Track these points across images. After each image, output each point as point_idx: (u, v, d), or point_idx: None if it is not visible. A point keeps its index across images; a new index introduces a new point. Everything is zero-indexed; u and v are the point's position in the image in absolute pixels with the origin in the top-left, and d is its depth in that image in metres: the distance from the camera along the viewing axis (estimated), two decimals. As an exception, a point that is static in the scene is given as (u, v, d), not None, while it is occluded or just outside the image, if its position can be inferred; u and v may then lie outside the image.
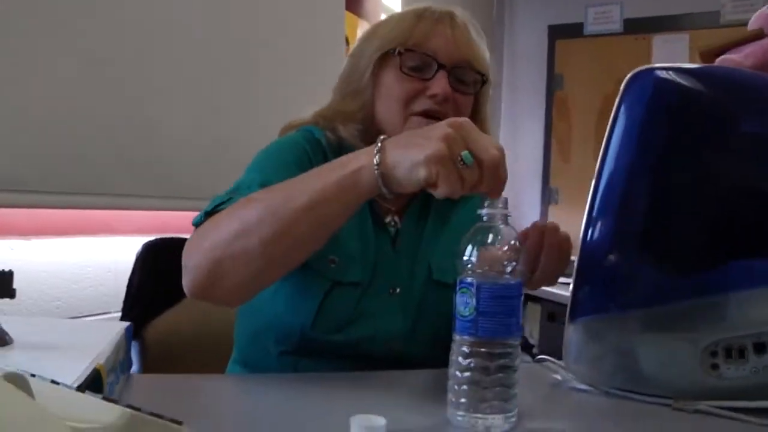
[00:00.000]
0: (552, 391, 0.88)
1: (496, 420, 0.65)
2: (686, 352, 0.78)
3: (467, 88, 1.00)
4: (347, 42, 2.36)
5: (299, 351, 0.95)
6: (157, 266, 1.58)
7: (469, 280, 0.64)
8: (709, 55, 0.89)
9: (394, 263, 0.99)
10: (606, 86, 3.04)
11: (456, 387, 0.66)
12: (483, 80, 1.02)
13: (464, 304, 0.65)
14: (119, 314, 1.80)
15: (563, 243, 0.81)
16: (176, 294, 1.59)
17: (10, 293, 0.65)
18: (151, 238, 1.79)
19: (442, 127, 0.66)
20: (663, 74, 0.79)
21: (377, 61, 0.99)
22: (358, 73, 1.01)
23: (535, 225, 0.81)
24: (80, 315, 1.73)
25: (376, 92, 1.00)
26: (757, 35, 0.85)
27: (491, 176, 0.65)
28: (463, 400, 0.65)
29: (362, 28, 2.48)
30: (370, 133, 0.99)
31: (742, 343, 0.76)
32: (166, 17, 1.73)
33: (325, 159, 0.95)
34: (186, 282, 0.77)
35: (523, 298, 0.69)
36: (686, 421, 0.76)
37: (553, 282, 0.83)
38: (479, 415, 0.65)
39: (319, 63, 2.22)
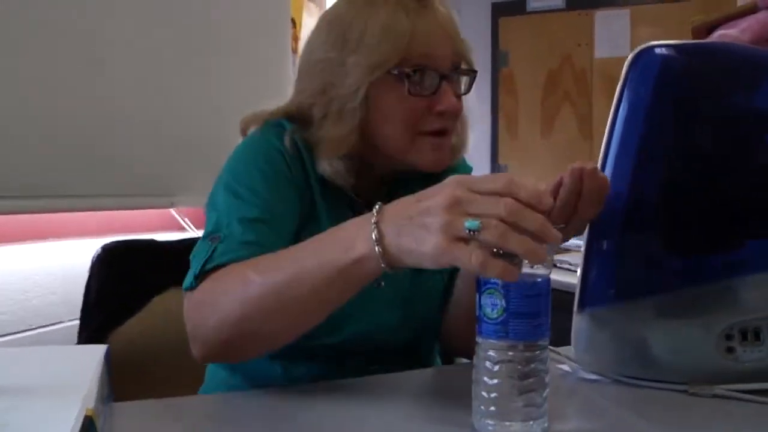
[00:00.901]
0: (562, 383, 0.86)
1: (532, 427, 0.61)
2: (701, 336, 0.77)
3: (465, 88, 0.94)
4: (294, 23, 2.27)
5: (289, 356, 0.90)
6: (117, 270, 1.48)
7: (495, 279, 0.59)
8: (700, 30, 0.87)
9: None
10: (550, 62, 3.07)
11: (485, 394, 0.62)
12: (475, 73, 0.96)
13: (492, 306, 0.60)
14: (72, 323, 1.68)
15: (603, 187, 0.72)
16: (139, 299, 1.51)
17: None
18: (103, 240, 1.68)
19: (438, 213, 0.58)
20: (667, 52, 0.77)
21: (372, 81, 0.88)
22: (343, 90, 0.89)
23: (572, 169, 0.72)
24: (30, 327, 1.61)
25: (370, 114, 0.89)
26: (751, 9, 0.83)
27: (502, 235, 0.55)
28: (492, 408, 0.61)
29: (308, 9, 2.40)
30: (355, 159, 0.91)
31: (757, 325, 0.76)
32: (116, 11, 1.61)
33: (302, 162, 0.91)
34: (196, 351, 0.77)
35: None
36: (704, 406, 0.75)
37: (582, 231, 0.75)
38: (512, 423, 0.61)
39: (265, 48, 2.13)
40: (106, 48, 1.59)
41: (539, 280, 0.61)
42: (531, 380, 0.61)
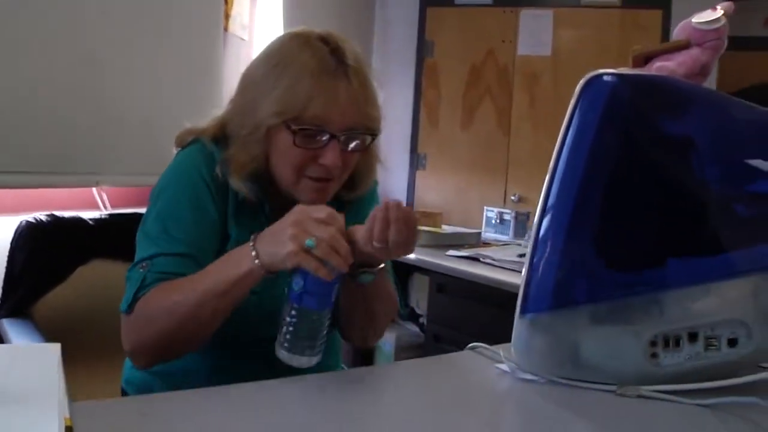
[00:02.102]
0: (501, 381, 0.92)
1: (310, 360, 0.87)
2: (629, 343, 0.85)
3: (358, 146, 1.02)
4: (226, 16, 2.22)
5: (217, 354, 1.01)
6: (41, 244, 1.44)
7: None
8: (639, 59, 0.94)
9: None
10: (475, 55, 3.13)
11: (283, 335, 0.87)
12: (374, 136, 1.03)
13: (296, 283, 0.86)
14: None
15: (408, 216, 0.86)
16: (61, 272, 1.46)
17: None
18: (18, 217, 1.60)
19: (287, 230, 0.85)
20: (616, 80, 0.83)
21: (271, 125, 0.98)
22: (251, 123, 1.00)
23: (383, 202, 0.88)
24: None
25: (269, 148, 1.01)
26: (684, 45, 0.91)
27: (327, 249, 0.83)
28: (285, 344, 0.87)
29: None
30: (264, 180, 1.03)
31: (678, 334, 0.84)
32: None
33: (224, 182, 1.01)
34: (139, 363, 0.98)
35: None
36: (630, 405, 0.83)
37: (408, 251, 0.89)
38: (294, 355, 0.87)
39: (197, 25, 2.07)
40: (32, 25, 1.50)
41: (327, 280, 0.85)
42: (311, 331, 0.86)
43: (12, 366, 0.63)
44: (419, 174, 3.30)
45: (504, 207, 3.02)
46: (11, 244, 1.45)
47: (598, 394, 0.85)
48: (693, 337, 0.84)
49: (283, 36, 1.06)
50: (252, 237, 0.90)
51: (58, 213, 1.53)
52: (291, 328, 0.86)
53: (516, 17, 3.02)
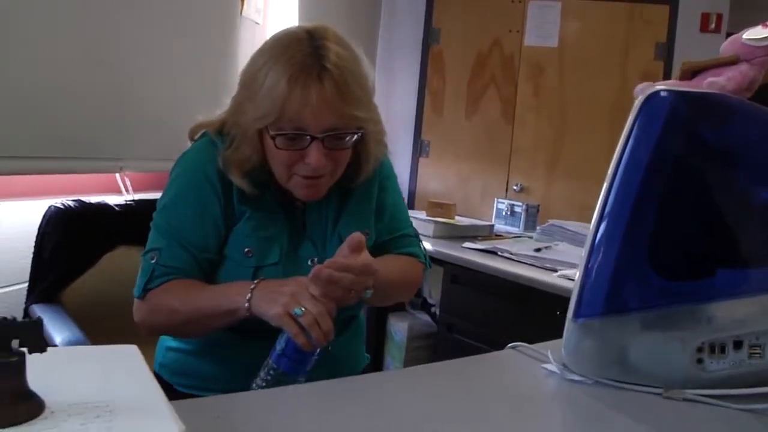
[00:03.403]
0: (549, 381, 0.95)
1: None
2: (677, 348, 0.89)
3: (344, 144, 1.05)
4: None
5: (242, 330, 1.06)
6: (68, 230, 1.44)
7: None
8: (687, 72, 0.97)
9: (308, 238, 1.13)
10: (481, 44, 3.14)
11: (257, 382, 0.97)
12: (360, 133, 1.06)
13: (279, 345, 0.96)
14: (4, 289, 1.60)
15: (333, 282, 0.95)
16: (89, 257, 1.47)
17: (41, 346, 0.54)
18: (38, 202, 1.59)
19: (283, 295, 0.95)
20: (674, 98, 0.86)
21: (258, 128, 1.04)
22: (242, 125, 1.05)
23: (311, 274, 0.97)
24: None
25: (263, 147, 1.06)
26: (733, 60, 0.94)
27: (311, 321, 0.92)
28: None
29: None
30: (265, 173, 1.08)
31: (723, 341, 0.88)
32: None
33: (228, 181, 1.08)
34: (140, 330, 1.10)
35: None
36: (676, 408, 0.87)
37: (356, 296, 0.99)
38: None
39: (213, 11, 2.06)
40: (56, 13, 1.48)
41: (307, 351, 0.94)
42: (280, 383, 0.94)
43: (104, 371, 0.64)
44: (422, 161, 3.32)
45: (506, 196, 3.06)
46: (39, 229, 1.46)
47: (645, 397, 0.89)
48: (738, 344, 0.88)
49: (275, 34, 1.09)
50: (256, 282, 1.00)
51: (84, 198, 1.53)
52: (265, 380, 0.96)
53: (524, 7, 3.04)
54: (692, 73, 0.99)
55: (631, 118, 0.87)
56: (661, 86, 0.87)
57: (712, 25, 2.81)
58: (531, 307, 1.80)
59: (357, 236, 0.99)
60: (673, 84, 0.97)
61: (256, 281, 1.00)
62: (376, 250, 1.19)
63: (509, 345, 1.09)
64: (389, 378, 1.03)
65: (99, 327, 1.41)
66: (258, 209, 1.10)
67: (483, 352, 1.78)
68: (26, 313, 1.41)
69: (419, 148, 3.33)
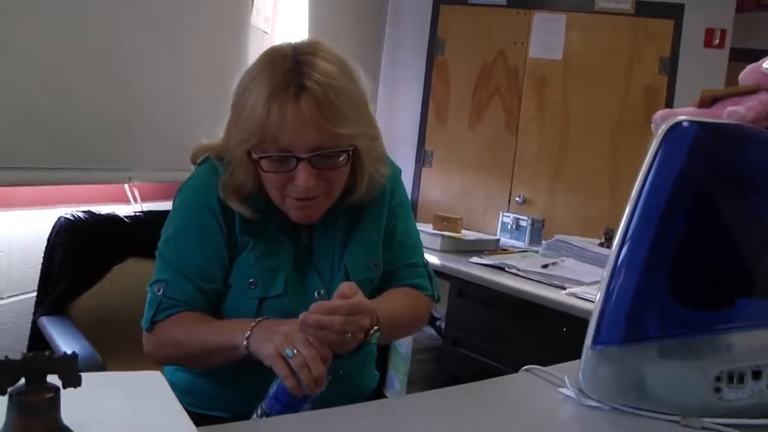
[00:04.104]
0: (564, 407, 0.95)
1: None
2: (695, 377, 0.89)
3: (336, 164, 1.02)
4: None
5: (243, 365, 1.02)
6: (77, 242, 1.44)
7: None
8: (706, 100, 0.97)
9: (314, 269, 1.11)
10: (485, 55, 3.15)
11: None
12: (350, 151, 1.02)
13: (270, 388, 0.94)
14: (9, 300, 1.59)
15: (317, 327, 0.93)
16: (99, 270, 1.47)
17: (76, 381, 0.53)
18: (46, 212, 1.59)
19: (278, 336, 0.93)
20: (697, 129, 0.86)
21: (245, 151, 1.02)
22: (231, 149, 1.04)
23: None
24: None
25: (257, 170, 1.03)
26: (753, 89, 0.94)
27: (301, 363, 0.89)
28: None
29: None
30: (262, 198, 1.07)
31: (742, 371, 0.88)
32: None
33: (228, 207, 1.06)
34: (155, 362, 1.11)
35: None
36: (694, 437, 0.87)
37: (346, 344, 0.96)
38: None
39: (224, 20, 2.06)
40: (64, 24, 1.48)
41: (295, 395, 0.91)
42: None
43: (131, 401, 0.64)
44: (425, 171, 3.32)
45: (509, 207, 3.07)
46: (48, 240, 1.45)
47: (662, 424, 0.89)
48: (757, 375, 0.88)
49: (265, 50, 1.07)
50: (258, 320, 0.99)
51: (94, 209, 1.53)
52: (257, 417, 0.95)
53: (529, 19, 3.04)
54: (711, 100, 0.99)
55: (653, 147, 0.87)
56: (683, 116, 0.88)
57: (716, 41, 2.83)
58: (537, 323, 1.80)
59: (346, 287, 0.98)
60: (693, 112, 0.98)
61: (258, 319, 0.99)
62: (383, 278, 1.18)
63: (524, 368, 1.09)
64: (404, 403, 1.03)
65: (108, 339, 1.40)
66: (261, 238, 1.08)
67: (488, 367, 1.79)
68: (34, 324, 1.41)
69: (422, 158, 3.34)
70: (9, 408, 0.50)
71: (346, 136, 1.00)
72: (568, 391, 0.97)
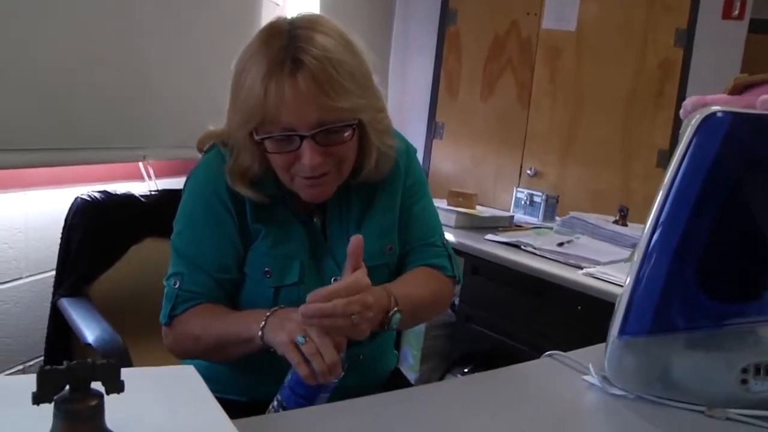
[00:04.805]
0: (590, 394, 0.96)
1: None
2: (722, 368, 0.89)
3: (341, 139, 0.99)
4: None
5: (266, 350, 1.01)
6: (95, 223, 1.44)
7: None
8: (738, 87, 0.95)
9: (329, 255, 1.09)
10: (498, 26, 3.10)
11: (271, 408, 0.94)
12: (355, 124, 1.00)
13: (286, 378, 0.93)
14: (30, 279, 1.60)
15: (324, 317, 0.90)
16: (116, 250, 1.47)
17: (119, 387, 0.53)
18: (60, 190, 1.59)
19: (290, 322, 0.91)
20: (732, 119, 0.85)
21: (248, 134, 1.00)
22: (233, 133, 1.02)
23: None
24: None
25: (262, 152, 1.01)
26: (787, 76, 0.93)
27: (313, 350, 0.88)
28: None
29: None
30: (273, 178, 1.04)
31: (769, 363, 0.88)
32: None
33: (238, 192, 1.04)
34: (175, 357, 1.11)
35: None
36: (719, 426, 0.88)
37: (357, 331, 0.93)
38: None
39: (238, 7, 2.02)
40: (77, 4, 1.45)
41: (310, 383, 0.89)
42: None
43: (169, 400, 0.65)
44: (436, 143, 3.30)
45: (519, 180, 3.06)
46: (66, 221, 1.45)
47: (687, 414, 0.90)
48: (784, 366, 0.88)
49: (258, 31, 1.02)
50: (273, 310, 0.97)
51: (110, 189, 1.52)
52: (277, 410, 0.93)
53: (543, -10, 2.99)
54: (742, 88, 0.97)
55: (687, 136, 0.86)
56: (715, 106, 0.86)
57: (736, 12, 2.76)
58: (551, 301, 1.80)
59: (355, 240, 0.95)
60: (724, 99, 0.96)
61: (273, 309, 0.97)
62: (400, 260, 1.15)
63: (545, 354, 1.09)
64: (426, 392, 1.03)
65: (127, 320, 1.41)
66: (273, 225, 1.06)
67: (502, 344, 1.79)
68: (54, 306, 1.41)
69: (433, 130, 3.31)
70: (55, 416, 0.50)
71: (349, 110, 0.97)
72: (593, 379, 0.97)
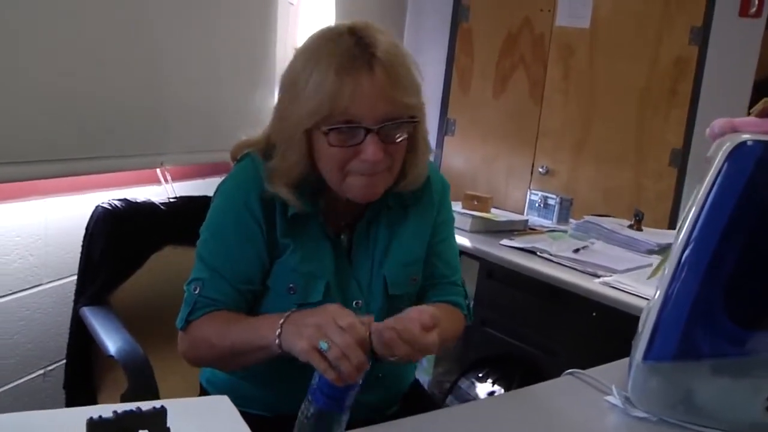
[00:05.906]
0: (612, 415, 0.97)
1: None
2: (747, 395, 0.90)
3: (400, 136, 1.01)
4: None
5: (282, 365, 1.00)
6: (116, 231, 1.44)
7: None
8: (766, 110, 0.95)
9: (352, 277, 1.10)
10: (510, 23, 3.08)
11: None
12: (415, 120, 1.02)
13: (312, 381, 0.89)
14: (50, 285, 1.61)
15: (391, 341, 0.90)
16: (137, 258, 1.48)
17: None
18: (79, 197, 1.59)
19: (308, 327, 0.89)
20: (762, 148, 0.84)
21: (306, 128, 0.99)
22: (289, 128, 1.01)
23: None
24: (9, 293, 1.52)
25: (311, 150, 1.02)
26: (818, 100, 0.92)
27: (338, 354, 0.85)
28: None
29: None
30: (314, 184, 1.05)
31: (795, 390, 0.88)
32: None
33: (271, 201, 1.04)
34: (190, 364, 1.11)
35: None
36: (742, 453, 0.88)
37: (416, 357, 0.93)
38: None
39: (253, 9, 2.02)
40: (91, 11, 1.45)
41: (339, 386, 0.86)
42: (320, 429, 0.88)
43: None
44: (447, 140, 3.29)
45: (531, 178, 3.05)
46: (87, 230, 1.46)
47: (710, 439, 0.91)
48: (809, 394, 0.88)
49: (313, 34, 1.05)
50: (287, 315, 0.95)
51: (129, 196, 1.53)
52: (306, 415, 0.89)
53: (557, -12, 2.96)
54: (769, 111, 0.97)
55: (716, 166, 0.86)
56: (746, 135, 0.86)
57: (753, 9, 2.73)
58: (566, 307, 1.80)
59: (428, 313, 0.93)
60: (752, 122, 0.95)
61: (286, 314, 0.95)
62: (420, 291, 1.16)
63: (566, 372, 1.10)
64: (448, 415, 1.04)
65: (147, 329, 1.42)
66: (302, 241, 1.06)
67: (515, 349, 1.80)
68: (75, 314, 1.42)
69: (445, 127, 3.30)
70: (105, 465, 0.51)
71: (411, 107, 1.00)
72: (615, 400, 0.98)
